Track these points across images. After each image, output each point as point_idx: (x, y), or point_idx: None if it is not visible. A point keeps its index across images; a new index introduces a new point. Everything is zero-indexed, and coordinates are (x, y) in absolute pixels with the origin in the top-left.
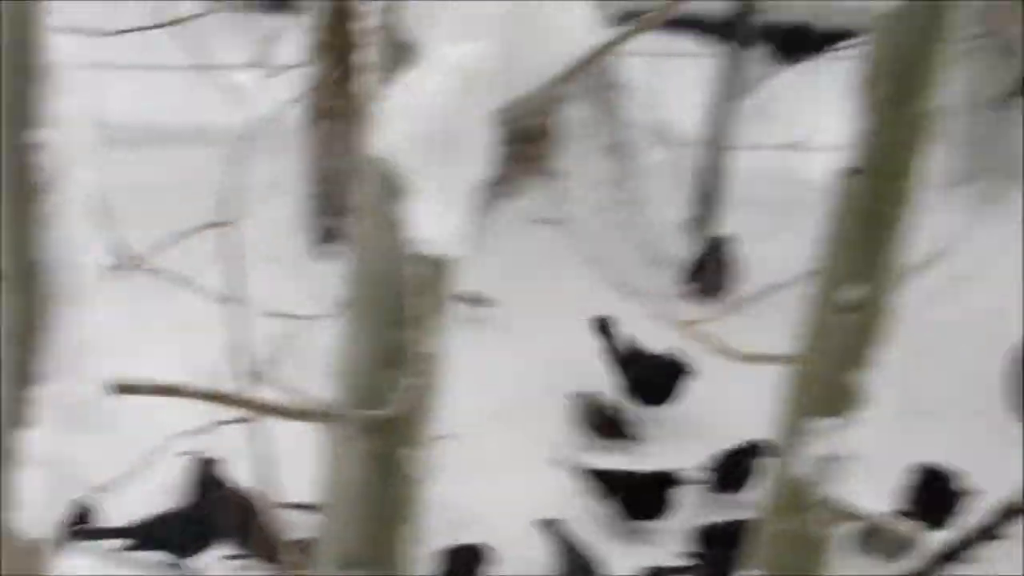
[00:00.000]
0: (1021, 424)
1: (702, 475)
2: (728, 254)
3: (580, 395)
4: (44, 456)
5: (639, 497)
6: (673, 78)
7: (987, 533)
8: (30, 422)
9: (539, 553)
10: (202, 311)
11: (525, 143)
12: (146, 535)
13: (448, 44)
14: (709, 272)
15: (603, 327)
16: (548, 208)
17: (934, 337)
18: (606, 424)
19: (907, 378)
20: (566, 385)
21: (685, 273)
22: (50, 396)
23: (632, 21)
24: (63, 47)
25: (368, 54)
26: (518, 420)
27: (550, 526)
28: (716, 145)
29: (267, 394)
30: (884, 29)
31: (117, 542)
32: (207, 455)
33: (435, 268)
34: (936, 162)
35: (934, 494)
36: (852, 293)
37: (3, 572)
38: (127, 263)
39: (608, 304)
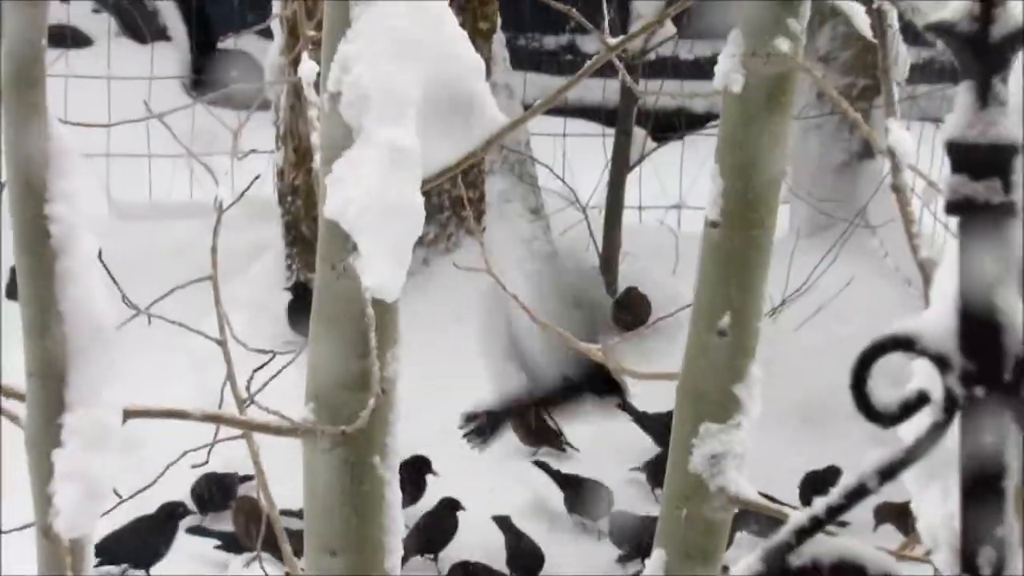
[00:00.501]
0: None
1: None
2: (639, 296)
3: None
4: (73, 471)
5: (583, 496)
6: (578, 154)
7: (836, 512)
8: (61, 443)
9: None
10: (203, 351)
11: (459, 207)
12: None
13: (379, 127)
14: (626, 310)
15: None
16: (478, 260)
17: (805, 357)
18: (534, 435)
19: (787, 390)
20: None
21: (607, 312)
22: (75, 422)
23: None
24: (72, 137)
25: (318, 139)
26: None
27: (504, 521)
28: (614, 207)
29: (257, 415)
30: (733, 108)
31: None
32: (219, 470)
33: (383, 307)
34: (799, 214)
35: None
36: (722, 321)
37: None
38: (134, 312)
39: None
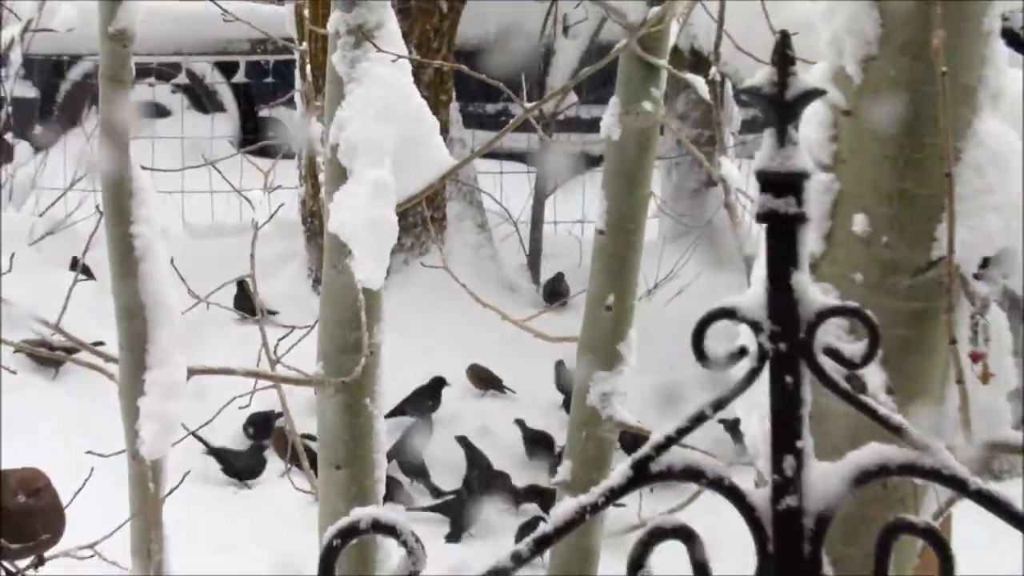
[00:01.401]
0: None
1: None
2: (561, 283)
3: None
4: (153, 413)
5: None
6: (511, 185)
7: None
8: (144, 393)
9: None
10: (247, 329)
11: (427, 224)
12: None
13: (365, 169)
14: (553, 294)
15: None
16: (440, 260)
17: (669, 325)
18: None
19: (657, 348)
20: (460, 365)
21: (533, 295)
22: (154, 378)
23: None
24: (150, 179)
25: (324, 177)
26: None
27: (463, 440)
28: (537, 222)
29: (283, 372)
30: (613, 151)
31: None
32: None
33: (370, 294)
34: (664, 225)
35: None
36: (608, 300)
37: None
38: (196, 300)
39: (474, 317)
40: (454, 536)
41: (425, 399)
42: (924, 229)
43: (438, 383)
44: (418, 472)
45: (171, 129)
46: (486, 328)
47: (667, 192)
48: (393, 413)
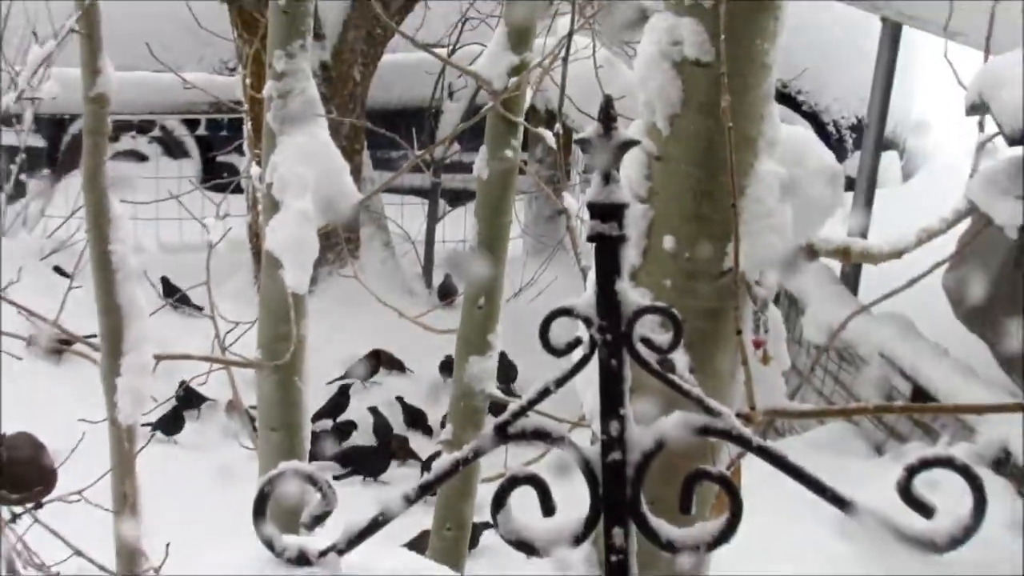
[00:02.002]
0: None
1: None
2: (450, 282)
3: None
4: (127, 389)
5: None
6: (409, 213)
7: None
8: (120, 374)
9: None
10: (204, 324)
11: (345, 242)
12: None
13: (292, 201)
14: (446, 292)
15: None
16: (353, 272)
17: (532, 320)
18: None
19: (523, 338)
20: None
21: (426, 297)
22: (128, 362)
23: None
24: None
25: (262, 207)
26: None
27: (373, 409)
28: (430, 241)
29: (232, 357)
30: (482, 187)
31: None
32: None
33: (297, 297)
34: (528, 243)
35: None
36: (480, 301)
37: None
38: (164, 302)
39: (381, 314)
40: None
41: (366, 366)
42: (717, 246)
43: (376, 356)
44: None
45: (148, 171)
46: (391, 323)
47: (529, 218)
48: (340, 379)
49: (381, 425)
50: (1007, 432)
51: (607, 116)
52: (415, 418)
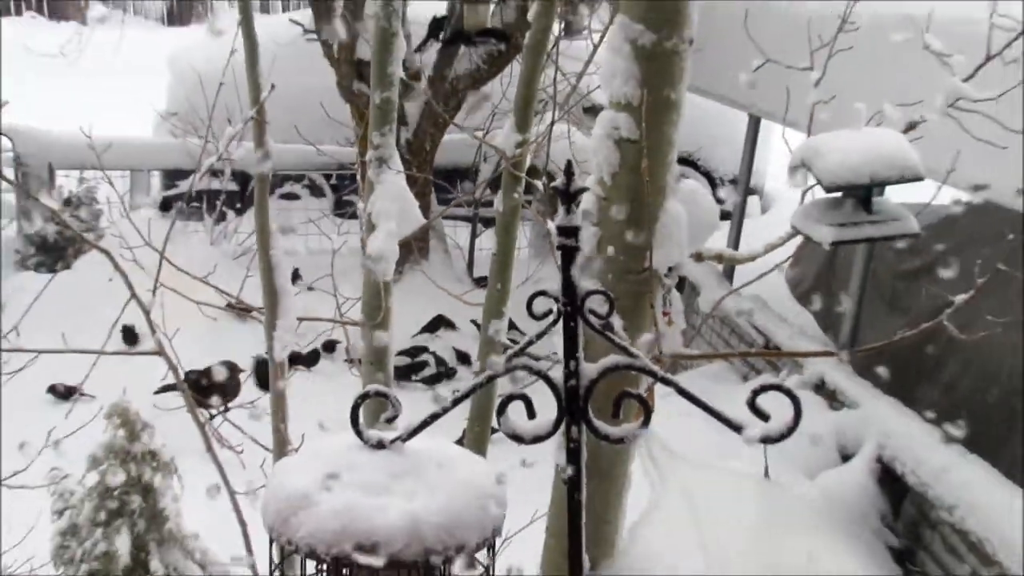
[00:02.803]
0: None
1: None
2: (484, 279)
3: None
4: (281, 339)
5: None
6: (458, 231)
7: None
8: (276, 329)
9: None
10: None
11: (415, 250)
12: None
13: (384, 223)
14: (481, 282)
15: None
16: (422, 267)
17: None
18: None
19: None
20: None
21: (475, 283)
22: (281, 323)
23: None
24: (275, 226)
25: (366, 228)
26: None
27: (433, 353)
28: (472, 250)
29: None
30: (500, 217)
31: None
32: None
33: (386, 284)
34: (531, 250)
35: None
36: (497, 286)
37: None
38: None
39: (439, 296)
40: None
41: (432, 327)
42: (641, 254)
43: (438, 319)
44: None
45: (300, 205)
46: (446, 300)
47: (531, 236)
48: (416, 335)
49: (440, 361)
50: (822, 368)
51: (568, 173)
52: (462, 357)
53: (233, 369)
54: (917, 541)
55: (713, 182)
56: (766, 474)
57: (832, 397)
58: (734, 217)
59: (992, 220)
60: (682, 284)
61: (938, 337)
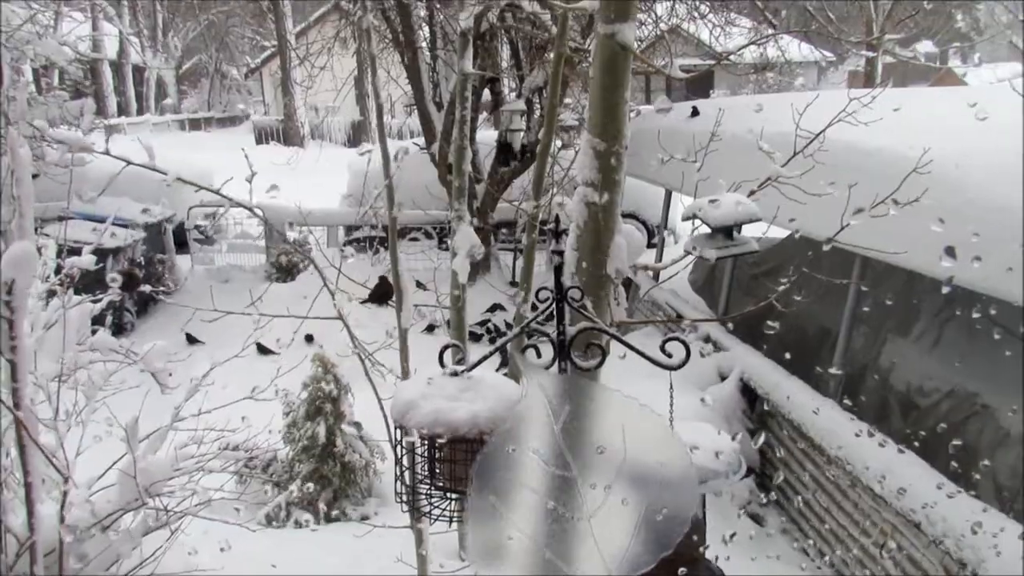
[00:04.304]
0: None
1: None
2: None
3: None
4: (404, 314)
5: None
6: (507, 256)
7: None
8: (403, 311)
9: None
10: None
11: (481, 265)
12: None
13: (461, 250)
14: (515, 284)
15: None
16: (485, 276)
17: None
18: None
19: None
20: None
21: (511, 285)
22: (405, 305)
23: None
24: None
25: (451, 254)
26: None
27: (484, 323)
28: (513, 267)
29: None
30: (526, 249)
31: None
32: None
33: (463, 284)
34: (544, 265)
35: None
36: (524, 286)
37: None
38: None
39: (497, 293)
40: (502, 364)
41: (492, 310)
42: (601, 262)
43: (495, 306)
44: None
45: (422, 245)
46: (500, 295)
47: (544, 257)
48: (485, 312)
49: (495, 328)
50: (709, 329)
51: (556, 221)
52: (508, 326)
53: (386, 283)
54: (764, 425)
55: (648, 228)
56: (671, 387)
57: (715, 345)
58: (659, 246)
59: (801, 244)
60: (629, 284)
61: (772, 310)
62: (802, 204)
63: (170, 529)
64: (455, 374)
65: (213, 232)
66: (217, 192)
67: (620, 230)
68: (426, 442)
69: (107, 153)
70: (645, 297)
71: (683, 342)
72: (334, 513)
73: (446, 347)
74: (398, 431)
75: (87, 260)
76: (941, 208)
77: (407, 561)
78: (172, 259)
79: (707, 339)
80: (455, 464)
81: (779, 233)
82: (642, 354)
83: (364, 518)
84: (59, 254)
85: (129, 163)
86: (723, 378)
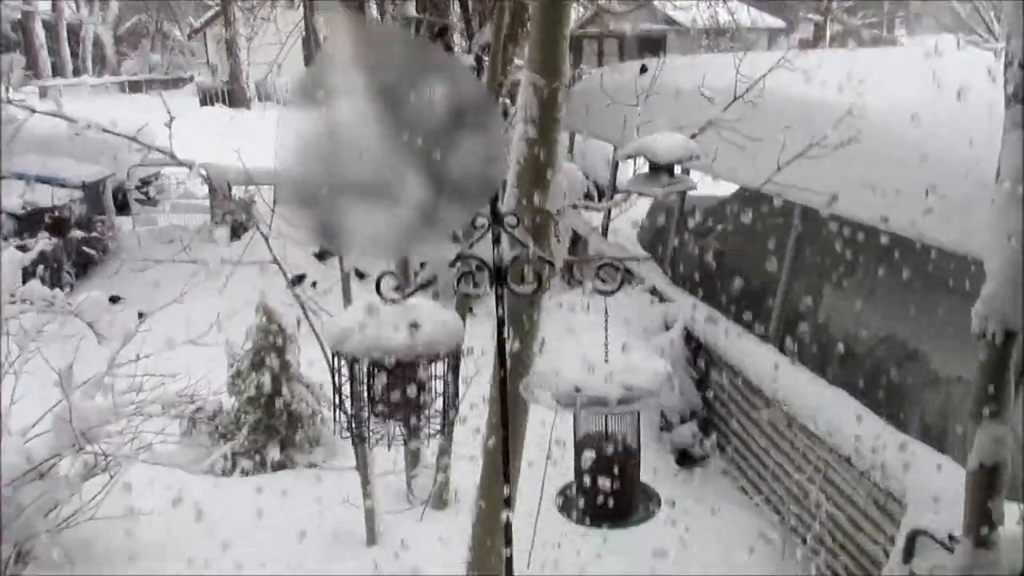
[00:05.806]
0: None
1: None
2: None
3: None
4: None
5: None
6: None
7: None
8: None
9: None
10: None
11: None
12: None
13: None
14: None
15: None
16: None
17: None
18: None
19: None
20: None
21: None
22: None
23: None
24: None
25: None
26: None
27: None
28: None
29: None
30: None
31: None
32: None
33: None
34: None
35: None
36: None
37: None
38: None
39: None
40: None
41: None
42: (542, 198)
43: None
44: None
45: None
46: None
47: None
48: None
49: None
50: (655, 280)
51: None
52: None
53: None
54: (706, 374)
55: (599, 189)
56: (606, 314)
57: (660, 296)
58: (606, 197)
59: (739, 199)
60: (577, 238)
61: (715, 262)
62: (743, 149)
63: (110, 475)
64: (392, 301)
65: (156, 193)
66: (157, 149)
67: (560, 168)
68: (364, 369)
69: (32, 110)
70: (593, 252)
71: (617, 267)
72: (281, 461)
73: (383, 275)
74: (335, 358)
75: (14, 203)
76: (874, 155)
77: (354, 503)
78: (111, 219)
79: (652, 290)
80: (393, 389)
81: (722, 192)
82: (579, 263)
83: (311, 465)
84: None
85: (34, 111)
86: (668, 327)
